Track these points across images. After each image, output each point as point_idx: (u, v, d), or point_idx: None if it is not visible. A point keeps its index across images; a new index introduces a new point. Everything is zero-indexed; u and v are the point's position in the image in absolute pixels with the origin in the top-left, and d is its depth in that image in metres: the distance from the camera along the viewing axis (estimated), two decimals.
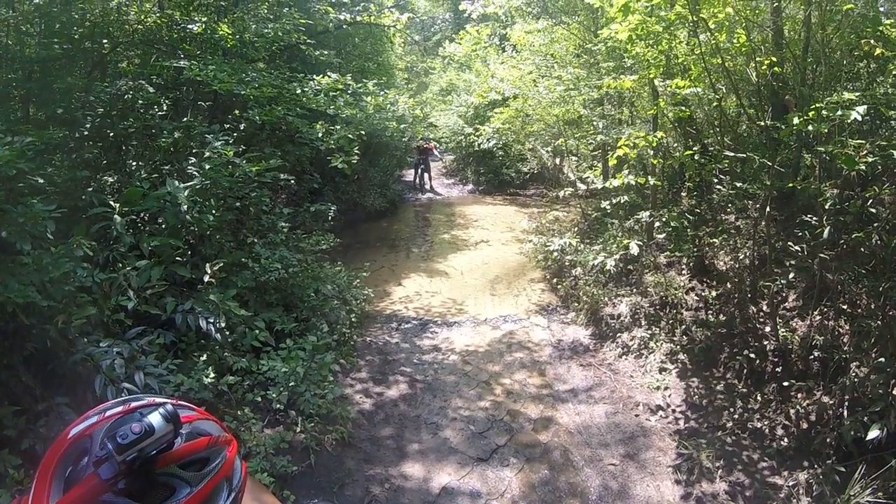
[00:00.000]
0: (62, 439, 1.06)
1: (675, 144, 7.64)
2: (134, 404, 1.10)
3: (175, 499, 1.04)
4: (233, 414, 4.92)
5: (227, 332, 5.41)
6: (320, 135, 6.97)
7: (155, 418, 1.00)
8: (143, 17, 6.75)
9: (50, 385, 3.89)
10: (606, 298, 7.70)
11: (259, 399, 5.24)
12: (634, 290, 7.57)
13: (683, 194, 7.88)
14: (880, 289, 4.73)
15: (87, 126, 6.37)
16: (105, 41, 6.50)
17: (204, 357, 5.09)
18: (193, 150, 6.37)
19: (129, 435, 0.96)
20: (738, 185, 5.83)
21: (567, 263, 8.90)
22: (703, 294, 6.69)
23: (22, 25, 6.27)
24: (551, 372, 6.78)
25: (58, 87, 6.13)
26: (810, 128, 4.25)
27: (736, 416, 5.33)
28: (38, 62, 6.09)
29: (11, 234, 3.51)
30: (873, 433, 4.02)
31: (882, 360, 4.40)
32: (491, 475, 5.03)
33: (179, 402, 1.19)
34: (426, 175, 17.82)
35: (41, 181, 4.64)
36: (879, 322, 4.65)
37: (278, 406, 5.23)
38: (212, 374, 4.92)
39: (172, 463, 1.05)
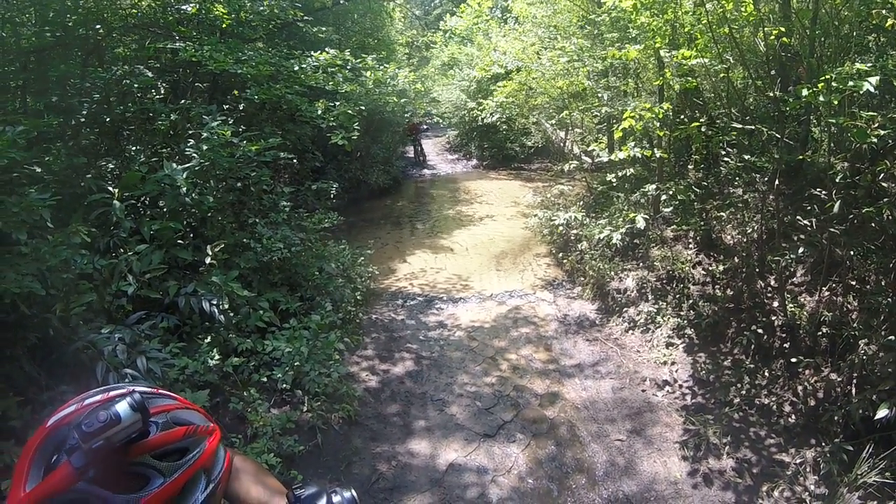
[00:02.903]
0: (41, 429, 1.06)
1: (682, 116, 7.51)
2: (113, 392, 1.09)
3: (148, 489, 1.04)
4: (239, 395, 4.94)
5: (231, 314, 5.40)
6: (320, 112, 6.88)
7: (122, 407, 0.99)
8: (137, 1, 6.64)
9: (54, 374, 3.88)
10: (612, 273, 7.65)
11: (265, 379, 5.25)
12: (641, 264, 7.51)
13: (690, 167, 7.78)
14: (890, 265, 4.67)
15: (84, 113, 6.31)
16: (99, 27, 6.39)
17: (208, 339, 5.10)
18: (192, 132, 6.31)
19: (95, 423, 0.96)
20: (746, 157, 5.73)
21: (573, 238, 8.84)
22: (710, 268, 6.63)
23: (16, 17, 6.17)
24: (557, 347, 6.77)
25: (53, 76, 6.06)
26: (821, 99, 4.14)
27: (743, 392, 5.30)
28: (33, 52, 6.02)
29: (7, 224, 3.47)
30: (882, 412, 3.98)
31: (892, 338, 4.33)
32: (497, 451, 5.05)
33: (160, 392, 1.18)
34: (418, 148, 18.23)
35: (39, 170, 4.60)
36: (889, 299, 4.58)
37: (284, 386, 5.26)
38: (216, 356, 4.93)
39: (146, 452, 1.05)
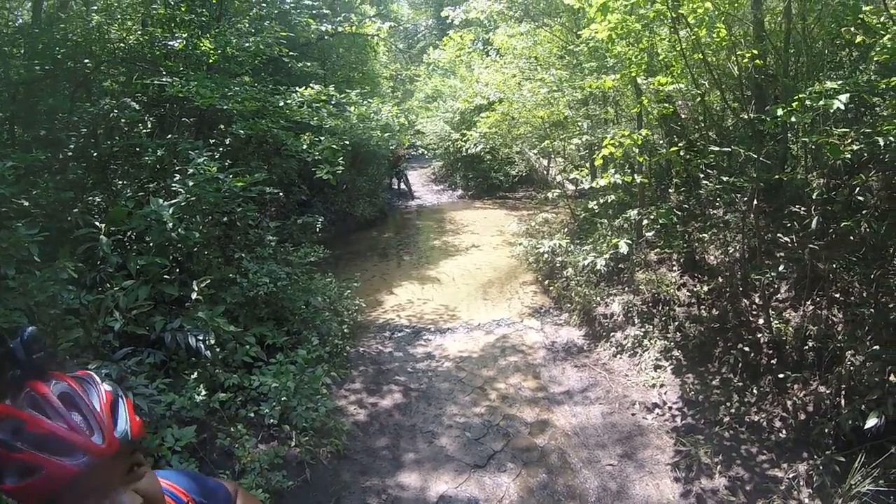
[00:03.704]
0: None
1: (661, 141, 7.66)
2: None
3: None
4: (226, 431, 4.88)
5: (218, 349, 5.36)
6: (305, 146, 6.94)
7: None
8: (125, 36, 6.73)
9: None
10: (599, 298, 7.68)
11: (252, 415, 5.19)
12: (626, 288, 7.56)
13: (671, 191, 7.89)
14: (871, 276, 4.74)
15: (72, 146, 6.34)
16: (87, 60, 6.47)
17: (195, 375, 5.05)
18: (178, 167, 6.34)
19: None
20: (725, 178, 5.84)
21: (558, 265, 8.89)
22: (694, 289, 6.69)
23: (5, 47, 6.23)
24: (546, 374, 6.75)
25: (42, 108, 6.09)
26: (794, 119, 4.26)
27: (733, 411, 5.32)
28: (22, 84, 6.07)
29: None
30: (871, 421, 4.02)
31: (877, 347, 4.39)
32: (488, 481, 4.99)
33: None
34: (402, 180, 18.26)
35: (26, 204, 4.61)
36: (872, 309, 4.65)
37: (272, 421, 5.19)
38: (203, 392, 4.88)
39: None
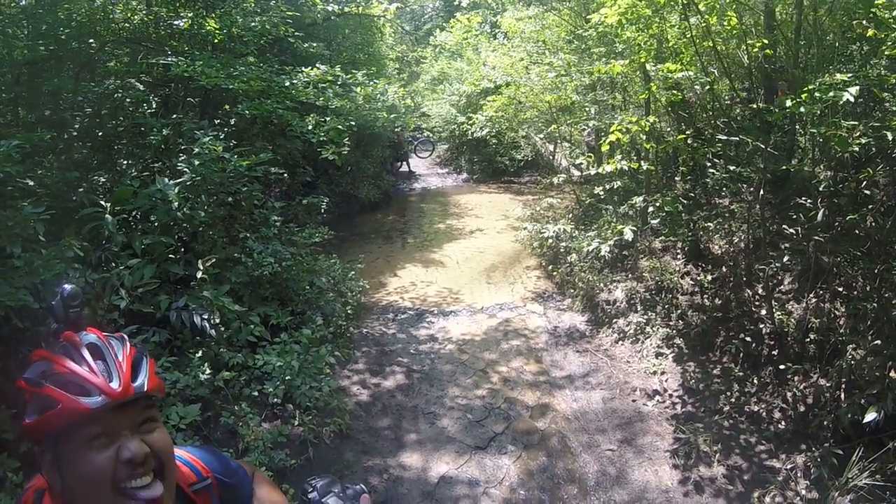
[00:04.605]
0: None
1: (669, 129, 7.62)
2: None
3: None
4: (230, 409, 4.92)
5: (222, 328, 5.39)
6: (310, 127, 6.91)
7: None
8: (129, 16, 6.69)
9: None
10: (602, 284, 7.69)
11: (256, 394, 5.22)
12: (630, 275, 7.57)
13: (677, 179, 7.86)
14: (875, 271, 4.74)
15: (77, 127, 6.33)
16: (92, 41, 6.43)
17: (199, 353, 5.08)
18: (183, 147, 6.33)
19: None
20: (732, 168, 5.81)
21: (562, 250, 8.88)
22: (698, 278, 6.69)
23: (8, 28, 6.20)
24: (548, 359, 6.79)
25: (46, 89, 6.08)
26: (802, 110, 4.23)
27: (733, 400, 5.34)
28: (25, 64, 6.04)
29: (1, 237, 3.48)
30: (870, 416, 4.04)
31: (878, 342, 4.40)
32: (489, 463, 5.05)
33: None
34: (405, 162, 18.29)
35: (31, 184, 4.62)
36: (875, 304, 4.65)
37: (275, 400, 5.24)
38: (208, 371, 4.91)
39: None
